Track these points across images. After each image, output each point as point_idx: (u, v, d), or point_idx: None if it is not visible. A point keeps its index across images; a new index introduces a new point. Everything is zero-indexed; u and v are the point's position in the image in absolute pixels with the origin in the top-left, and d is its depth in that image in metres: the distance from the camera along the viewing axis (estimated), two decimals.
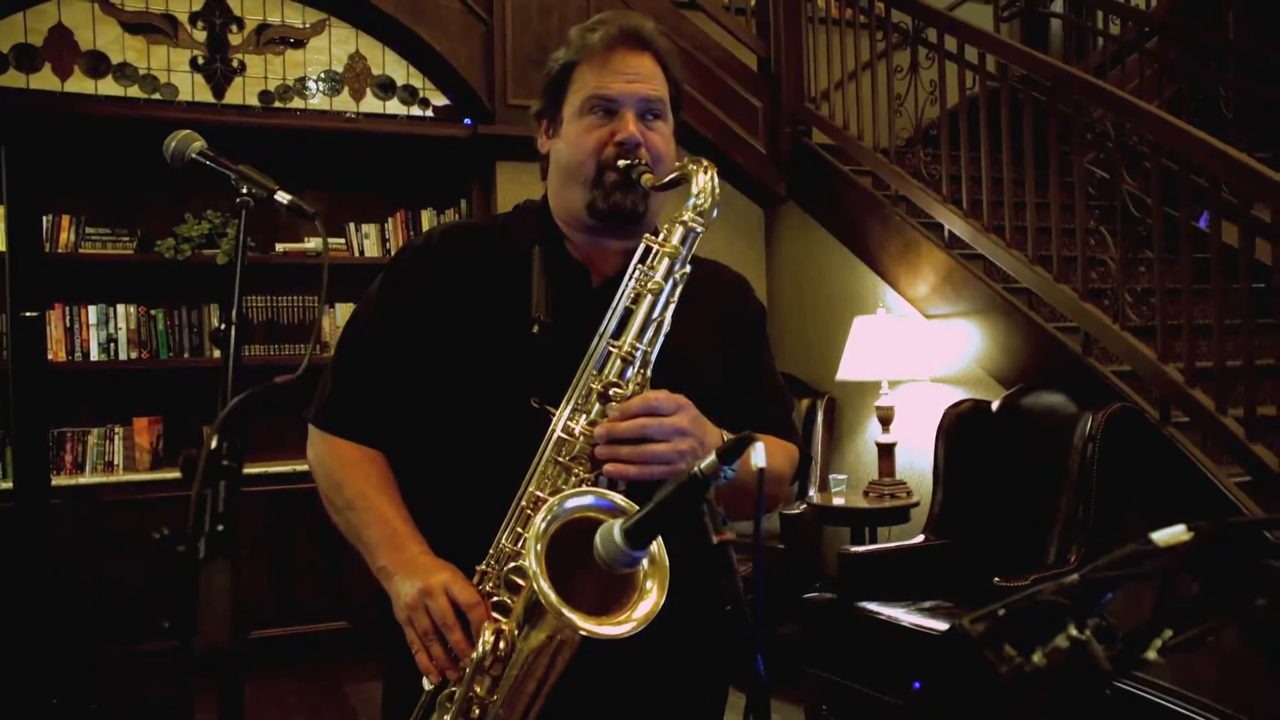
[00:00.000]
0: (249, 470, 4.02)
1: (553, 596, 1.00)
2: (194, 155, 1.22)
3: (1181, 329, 3.07)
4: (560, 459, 1.13)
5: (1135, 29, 4.77)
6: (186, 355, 4.40)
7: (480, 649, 1.06)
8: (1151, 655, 0.62)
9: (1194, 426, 3.08)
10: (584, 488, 1.10)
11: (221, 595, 0.78)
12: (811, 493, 4.08)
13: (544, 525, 1.04)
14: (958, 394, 3.83)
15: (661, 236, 1.20)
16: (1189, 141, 3.01)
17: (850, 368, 3.94)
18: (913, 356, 3.88)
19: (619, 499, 1.07)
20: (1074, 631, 0.63)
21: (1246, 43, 4.46)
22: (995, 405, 3.53)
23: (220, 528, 0.84)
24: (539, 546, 1.02)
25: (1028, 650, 0.65)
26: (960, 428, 3.56)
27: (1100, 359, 3.37)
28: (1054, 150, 3.50)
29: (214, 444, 0.88)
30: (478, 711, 1.08)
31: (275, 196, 1.20)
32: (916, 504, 3.76)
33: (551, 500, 1.07)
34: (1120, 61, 4.75)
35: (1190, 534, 0.66)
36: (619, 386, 1.14)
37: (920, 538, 3.50)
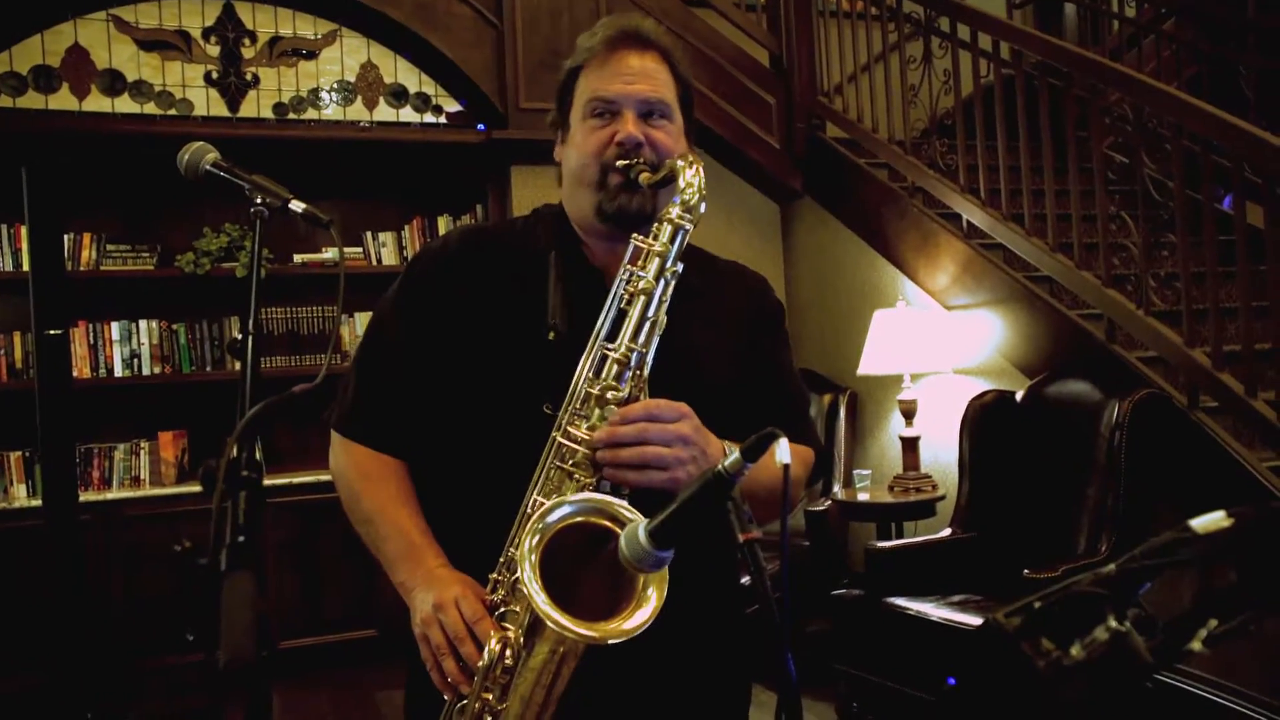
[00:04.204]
0: (275, 481, 4.05)
1: (547, 608, 1.00)
2: (208, 167, 1.22)
3: (1207, 313, 3.02)
4: (562, 465, 1.13)
5: (1152, 10, 4.71)
6: (209, 369, 4.43)
7: (486, 658, 1.07)
8: (1196, 646, 0.60)
9: (1223, 411, 3.04)
10: (574, 495, 1.09)
11: (243, 607, 0.77)
12: (836, 489, 4.05)
13: (534, 540, 1.03)
14: (981, 385, 3.79)
15: (650, 236, 1.19)
16: (1210, 122, 2.96)
17: (871, 362, 3.91)
18: (934, 349, 3.84)
19: (600, 498, 1.07)
20: (1113, 623, 0.61)
21: (1267, 20, 4.39)
22: (1019, 395, 3.49)
23: (241, 539, 0.84)
24: (532, 558, 1.02)
25: (1065, 643, 0.63)
26: (985, 419, 3.52)
27: (1124, 345, 3.33)
28: (1072, 136, 3.46)
29: (233, 454, 0.88)
30: (490, 719, 1.09)
31: (289, 205, 1.20)
32: (942, 497, 3.73)
33: (535, 514, 1.06)
34: (1137, 44, 4.69)
35: (1230, 520, 0.64)
36: (616, 390, 1.13)
37: (947, 531, 3.47)
